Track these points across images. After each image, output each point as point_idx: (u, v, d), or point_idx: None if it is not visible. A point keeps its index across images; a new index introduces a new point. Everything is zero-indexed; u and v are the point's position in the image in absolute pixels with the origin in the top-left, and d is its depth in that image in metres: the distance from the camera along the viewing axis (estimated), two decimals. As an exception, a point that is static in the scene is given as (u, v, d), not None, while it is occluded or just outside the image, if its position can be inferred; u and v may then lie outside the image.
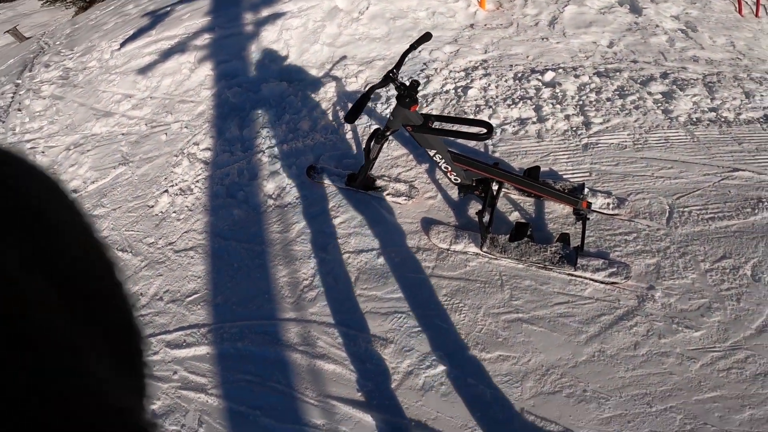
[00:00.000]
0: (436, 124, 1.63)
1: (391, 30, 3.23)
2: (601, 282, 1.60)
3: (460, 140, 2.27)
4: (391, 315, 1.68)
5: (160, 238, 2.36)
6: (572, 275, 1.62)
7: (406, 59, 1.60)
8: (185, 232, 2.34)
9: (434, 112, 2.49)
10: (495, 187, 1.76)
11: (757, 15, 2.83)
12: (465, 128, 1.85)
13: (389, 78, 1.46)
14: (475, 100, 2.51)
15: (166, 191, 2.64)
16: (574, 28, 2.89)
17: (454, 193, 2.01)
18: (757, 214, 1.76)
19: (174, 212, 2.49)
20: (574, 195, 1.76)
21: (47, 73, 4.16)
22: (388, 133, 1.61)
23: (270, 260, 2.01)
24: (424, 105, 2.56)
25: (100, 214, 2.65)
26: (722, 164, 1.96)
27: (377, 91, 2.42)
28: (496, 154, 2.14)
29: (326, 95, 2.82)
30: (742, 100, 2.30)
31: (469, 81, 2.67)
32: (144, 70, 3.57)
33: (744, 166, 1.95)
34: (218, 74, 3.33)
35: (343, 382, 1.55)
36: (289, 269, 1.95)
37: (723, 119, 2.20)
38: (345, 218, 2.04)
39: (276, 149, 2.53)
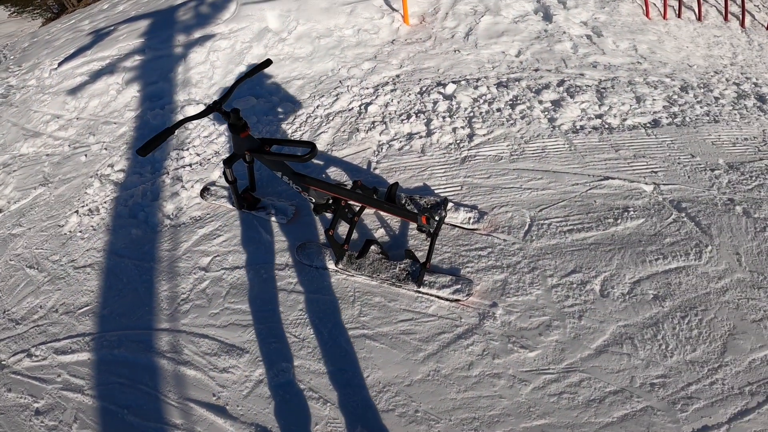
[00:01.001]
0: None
1: (316, 49, 3.35)
2: (445, 299, 1.62)
3: (348, 158, 2.37)
4: (250, 327, 1.76)
5: (64, 256, 2.48)
6: (419, 292, 1.67)
7: (236, 90, 1.73)
8: (87, 250, 2.46)
9: (330, 131, 2.58)
10: (357, 206, 1.83)
11: (665, 17, 2.88)
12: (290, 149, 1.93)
13: (212, 108, 1.55)
14: (373, 116, 2.60)
15: (77, 211, 2.76)
16: (486, 39, 2.97)
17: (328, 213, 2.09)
18: (619, 224, 1.77)
19: (80, 232, 2.61)
20: (435, 211, 1.81)
21: (-12, 92, 4.32)
22: (235, 160, 1.70)
23: (156, 276, 2.12)
24: (324, 124, 2.65)
25: (17, 233, 2.79)
26: (593, 173, 2.00)
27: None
28: (377, 171, 2.21)
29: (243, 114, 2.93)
30: (631, 106, 2.35)
31: (374, 97, 2.76)
32: (74, 91, 3.72)
33: (616, 174, 1.99)
34: (144, 96, 3.47)
35: (202, 387, 1.64)
36: (170, 284, 2.07)
37: (606, 126, 2.24)
38: (228, 237, 2.14)
39: (181, 171, 2.65)
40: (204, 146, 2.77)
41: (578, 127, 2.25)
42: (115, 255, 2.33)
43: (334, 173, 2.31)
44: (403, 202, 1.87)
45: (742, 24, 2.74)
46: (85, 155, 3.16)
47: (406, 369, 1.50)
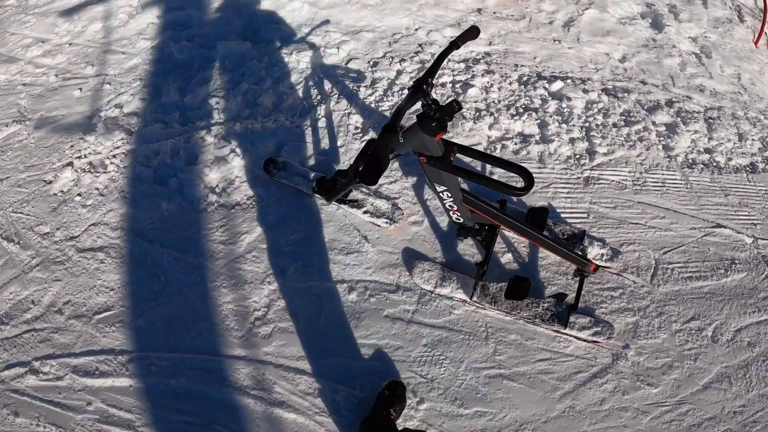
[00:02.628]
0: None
1: None
2: (585, 340, 1.62)
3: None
4: (361, 362, 1.55)
5: (58, 228, 1.92)
6: (558, 332, 1.63)
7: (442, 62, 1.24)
8: (93, 224, 1.92)
9: None
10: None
11: (769, 47, 2.88)
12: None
13: (420, 90, 1.14)
14: (475, 101, 2.30)
15: (71, 164, 2.13)
16: (590, 35, 2.72)
17: (444, 220, 1.85)
18: (728, 276, 1.87)
19: (79, 195, 2.02)
20: (573, 242, 1.72)
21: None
22: (390, 157, 1.36)
23: (210, 278, 1.72)
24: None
25: None
26: (708, 218, 2.02)
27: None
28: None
29: (298, 66, 2.39)
30: (734, 143, 2.38)
31: (469, 76, 2.42)
32: (69, 12, 2.79)
33: (726, 222, 2.03)
34: (165, 23, 2.66)
35: (306, 434, 1.44)
36: (235, 294, 1.69)
37: (715, 164, 2.26)
38: (309, 235, 1.79)
39: (226, 127, 2.11)
40: (255, 96, 2.23)
41: (690, 161, 2.21)
42: (140, 238, 1.84)
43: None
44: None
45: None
46: (80, 89, 2.41)
47: (543, 407, 1.53)
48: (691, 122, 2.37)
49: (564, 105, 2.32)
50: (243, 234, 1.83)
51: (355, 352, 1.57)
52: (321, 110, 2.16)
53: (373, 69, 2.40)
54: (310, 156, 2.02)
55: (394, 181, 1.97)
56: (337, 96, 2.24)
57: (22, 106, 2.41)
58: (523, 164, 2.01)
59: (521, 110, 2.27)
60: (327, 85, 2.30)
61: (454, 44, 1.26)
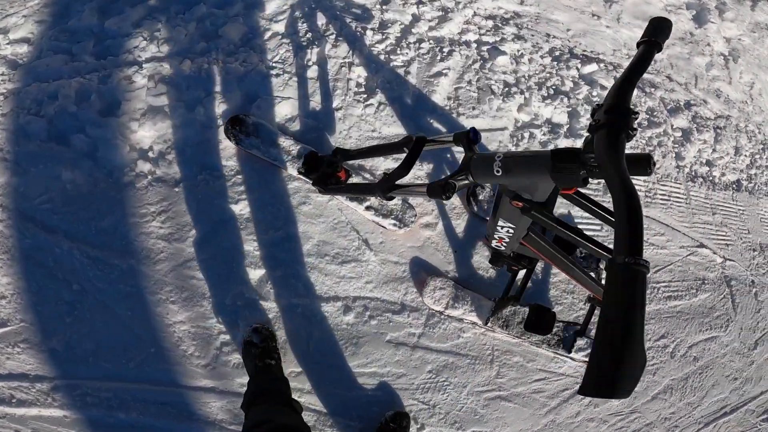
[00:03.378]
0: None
1: None
2: (579, 360, 1.62)
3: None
4: (362, 394, 1.37)
5: None
6: (558, 354, 1.60)
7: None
8: None
9: (450, 75, 1.75)
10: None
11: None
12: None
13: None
14: (504, 72, 1.90)
15: None
16: (631, 17, 2.36)
17: (460, 223, 1.60)
18: (697, 295, 1.99)
19: None
20: (591, 263, 1.61)
21: None
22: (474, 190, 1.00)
23: (149, 289, 1.29)
24: (438, 57, 1.78)
25: None
26: (695, 236, 2.07)
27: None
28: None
29: None
30: (731, 157, 2.40)
31: (498, 39, 1.97)
32: None
33: (707, 242, 2.10)
34: None
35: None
36: (190, 311, 1.30)
37: (711, 179, 2.26)
38: (291, 234, 1.39)
39: (167, 65, 1.46)
40: (216, 24, 1.56)
41: (694, 173, 2.18)
42: (32, 224, 1.29)
43: (456, 160, 1.69)
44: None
45: None
46: None
47: (530, 423, 1.57)
48: (703, 130, 2.30)
49: (594, 93, 2.05)
50: (194, 225, 1.35)
51: (353, 382, 1.37)
52: (312, 54, 1.58)
53: (383, 7, 1.80)
54: (293, 118, 1.50)
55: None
56: (334, 37, 1.65)
57: None
58: None
59: (552, 92, 1.95)
60: (321, 19, 1.67)
61: (654, 46, 0.84)
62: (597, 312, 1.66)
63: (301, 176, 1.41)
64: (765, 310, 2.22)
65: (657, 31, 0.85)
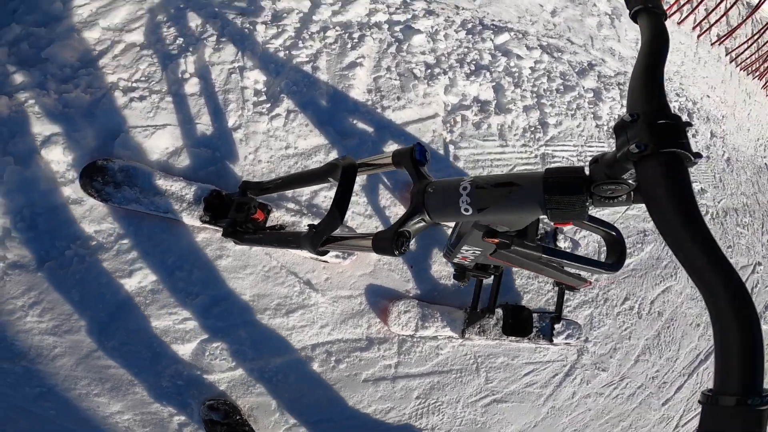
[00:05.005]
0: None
1: None
2: (559, 344, 1.58)
3: (411, 129, 1.57)
4: None
5: None
6: (538, 343, 1.52)
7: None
8: None
9: (365, 63, 1.54)
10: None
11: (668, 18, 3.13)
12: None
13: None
14: (423, 53, 1.74)
15: None
16: None
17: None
18: (643, 249, 2.06)
19: None
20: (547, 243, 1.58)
21: None
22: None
23: (60, 384, 0.99)
24: (349, 45, 1.56)
25: None
26: None
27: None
28: (459, 163, 1.60)
29: None
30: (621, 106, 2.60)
31: (410, 16, 1.81)
32: None
33: None
34: None
35: None
36: (124, 400, 1.02)
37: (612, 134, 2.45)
38: (217, 297, 1.11)
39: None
40: (36, 42, 1.15)
41: (610, 130, 2.27)
42: None
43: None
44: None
45: (699, 36, 3.30)
46: None
47: (532, 415, 1.53)
48: (610, 88, 2.44)
49: (512, 63, 2.01)
50: (84, 312, 1.02)
51: (341, 429, 1.18)
52: (187, 63, 1.25)
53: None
54: (177, 151, 1.16)
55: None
56: (215, 38, 1.32)
57: None
58: (487, 142, 1.73)
59: (473, 68, 1.85)
60: (194, 20, 1.33)
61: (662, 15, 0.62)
62: (567, 295, 1.65)
63: (207, 225, 1.11)
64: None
65: None
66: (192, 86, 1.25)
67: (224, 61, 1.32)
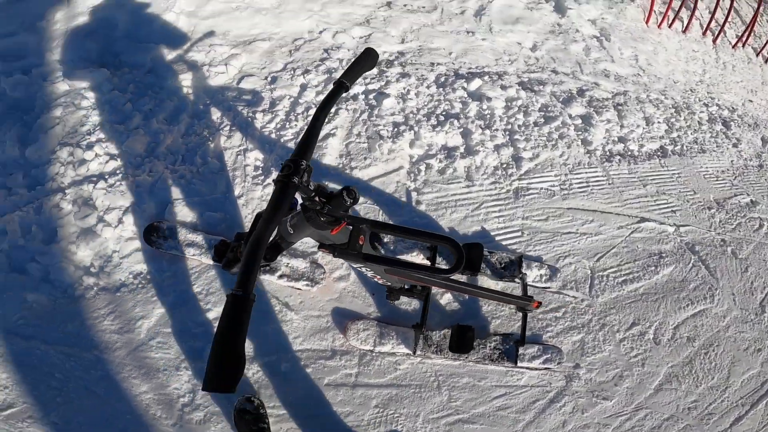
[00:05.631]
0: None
1: None
2: (537, 369, 1.62)
3: (376, 183, 1.94)
4: None
5: None
6: (510, 367, 1.61)
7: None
8: None
9: (338, 133, 2.02)
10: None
11: (659, 26, 3.11)
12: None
13: (290, 186, 0.85)
14: (392, 114, 2.14)
15: None
16: (501, 24, 2.70)
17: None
18: (658, 272, 1.97)
19: None
20: (512, 271, 1.70)
21: None
22: (280, 250, 1.12)
23: (115, 371, 1.50)
24: (325, 120, 2.07)
25: None
26: (632, 213, 2.12)
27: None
28: (421, 207, 1.87)
29: (177, 93, 2.02)
30: (643, 128, 2.54)
31: (383, 83, 2.26)
32: None
33: (648, 215, 2.14)
34: None
35: None
36: (150, 383, 1.50)
37: (629, 153, 2.37)
38: (220, 311, 1.59)
39: (87, 188, 1.73)
40: (120, 141, 1.85)
41: (608, 153, 2.31)
42: (14, 336, 1.53)
43: (366, 210, 1.86)
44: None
45: (714, 40, 3.16)
46: None
47: None
48: (603, 111, 2.47)
49: (485, 106, 2.28)
50: (139, 320, 1.55)
51: (305, 426, 1.45)
52: (209, 149, 1.86)
53: (272, 86, 2.13)
54: (202, 214, 1.72)
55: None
56: (228, 128, 1.94)
57: None
58: (451, 185, 1.96)
59: (442, 118, 2.17)
60: (215, 115, 1.98)
61: (341, 86, 1.00)
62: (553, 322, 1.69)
63: (215, 263, 1.58)
64: (755, 267, 2.13)
65: (352, 69, 1.02)
66: (212, 167, 1.84)
67: (234, 145, 1.90)
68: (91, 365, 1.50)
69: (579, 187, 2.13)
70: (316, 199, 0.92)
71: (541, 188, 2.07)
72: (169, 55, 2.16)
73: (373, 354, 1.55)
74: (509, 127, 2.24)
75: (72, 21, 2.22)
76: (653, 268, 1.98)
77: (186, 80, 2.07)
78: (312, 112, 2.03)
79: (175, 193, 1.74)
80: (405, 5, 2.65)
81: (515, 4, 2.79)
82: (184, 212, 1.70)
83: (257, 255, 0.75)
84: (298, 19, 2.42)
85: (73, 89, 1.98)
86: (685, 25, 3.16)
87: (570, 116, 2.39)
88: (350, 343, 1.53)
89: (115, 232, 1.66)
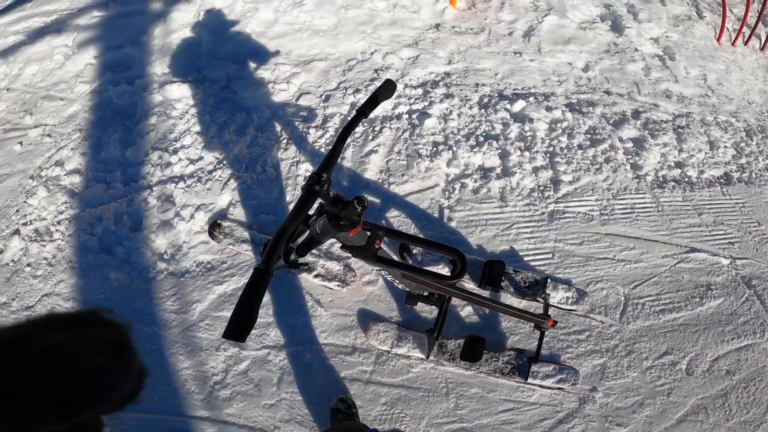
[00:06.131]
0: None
1: (341, 22, 2.77)
2: (549, 388, 1.67)
3: (411, 198, 2.10)
4: (323, 425, 1.63)
5: (13, 299, 1.98)
6: (522, 383, 1.67)
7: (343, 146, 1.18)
8: (45, 295, 1.97)
9: (380, 150, 2.24)
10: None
11: (733, 44, 2.89)
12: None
13: (313, 192, 1.06)
14: (433, 134, 2.31)
15: (18, 232, 2.15)
16: (551, 44, 2.74)
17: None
18: (704, 303, 1.92)
19: (29, 265, 2.05)
20: (536, 290, 1.78)
21: None
22: (310, 248, 1.30)
23: (166, 346, 1.81)
24: (369, 137, 2.29)
25: None
26: (681, 243, 2.07)
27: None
28: (452, 223, 2.02)
29: (247, 107, 2.38)
30: (706, 153, 2.41)
31: (427, 103, 2.44)
32: (5, 53, 2.82)
33: (700, 245, 2.08)
34: (103, 64, 2.67)
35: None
36: (192, 360, 1.77)
37: (687, 179, 2.30)
38: (263, 302, 1.85)
39: (170, 188, 2.12)
40: (198, 148, 2.24)
41: (661, 179, 2.26)
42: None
43: (399, 223, 2.04)
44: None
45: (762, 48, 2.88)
46: (20, 143, 2.43)
47: None
48: (659, 134, 2.42)
49: (527, 128, 2.35)
50: (194, 303, 1.87)
51: (315, 414, 1.65)
52: (269, 159, 2.18)
53: (325, 104, 2.42)
54: (257, 216, 2.04)
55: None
56: (286, 140, 2.26)
57: (-36, 167, 2.43)
58: (484, 204, 2.07)
59: (481, 139, 2.29)
60: (277, 128, 2.31)
61: (362, 114, 1.19)
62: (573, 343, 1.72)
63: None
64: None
65: (372, 100, 1.20)
66: (269, 176, 2.16)
67: (288, 157, 2.20)
68: (148, 339, 1.83)
69: (622, 213, 2.13)
70: (335, 205, 1.14)
71: (579, 212, 2.10)
72: (242, 72, 2.55)
73: (390, 355, 1.72)
74: (550, 149, 2.28)
75: (167, 37, 2.72)
76: (698, 299, 1.94)
77: (254, 96, 2.43)
78: (359, 129, 2.26)
79: (237, 195, 2.08)
80: (453, 27, 2.81)
81: (567, 25, 2.80)
82: (242, 213, 2.03)
83: (280, 241, 1.00)
84: (351, 40, 2.69)
85: (166, 100, 2.44)
86: (763, 42, 2.90)
87: (620, 139, 2.37)
88: (370, 342, 1.72)
89: (187, 226, 2.03)
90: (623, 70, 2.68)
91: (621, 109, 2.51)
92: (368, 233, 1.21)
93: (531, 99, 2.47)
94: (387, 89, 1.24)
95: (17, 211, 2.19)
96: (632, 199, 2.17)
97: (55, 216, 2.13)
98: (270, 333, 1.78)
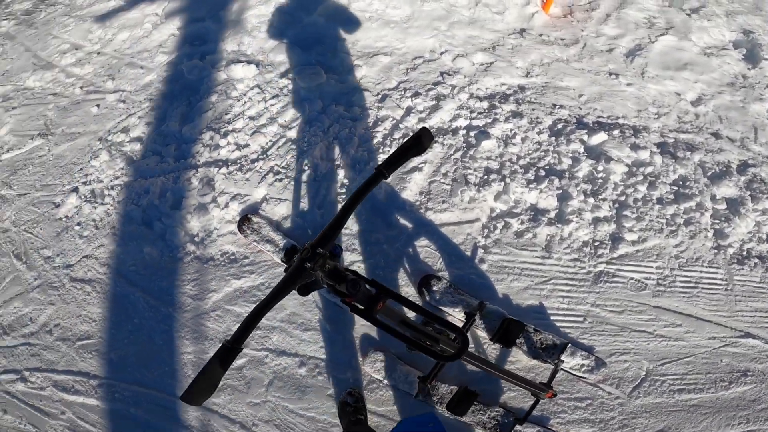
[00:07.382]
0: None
1: (415, 14, 2.95)
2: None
3: (445, 229, 2.36)
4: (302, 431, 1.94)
5: (58, 255, 2.57)
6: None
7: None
8: (86, 256, 2.53)
9: (425, 168, 2.38)
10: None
11: None
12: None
13: (304, 270, 1.12)
14: (488, 158, 2.39)
15: (76, 189, 2.74)
16: (660, 68, 2.65)
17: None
18: (730, 388, 1.98)
19: (78, 224, 2.63)
20: (551, 354, 1.92)
21: (18, 4, 4.21)
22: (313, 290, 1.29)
23: (177, 329, 2.23)
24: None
25: (6, 196, 2.86)
26: (737, 326, 2.08)
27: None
28: (483, 266, 2.15)
29: (298, 97, 2.69)
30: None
31: (489, 120, 2.52)
32: (103, 18, 3.47)
33: (757, 332, 2.08)
34: (184, 36, 3.16)
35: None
36: (197, 347, 2.19)
37: (778, 258, 2.10)
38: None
39: (213, 171, 2.53)
40: (248, 135, 2.63)
41: (744, 253, 2.19)
42: (122, 279, 2.43)
43: (426, 255, 2.22)
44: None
45: None
46: (98, 105, 3.02)
47: None
48: (762, 198, 2.30)
49: (600, 168, 2.34)
50: (211, 292, 2.26)
51: (294, 422, 1.99)
52: (309, 158, 2.44)
53: (380, 105, 2.62)
54: (287, 217, 2.33)
55: (358, 254, 2.26)
56: (330, 139, 2.50)
57: (49, 119, 3.09)
58: (524, 251, 2.23)
59: (542, 174, 2.32)
60: (326, 123, 2.55)
61: (380, 175, 1.16)
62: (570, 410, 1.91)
63: (283, 263, 2.19)
64: None
65: (396, 158, 1.17)
66: (307, 175, 2.43)
67: (330, 158, 2.45)
68: (162, 319, 2.23)
69: (682, 287, 2.13)
70: (331, 278, 1.13)
71: (631, 278, 2.13)
72: (303, 57, 2.81)
73: (381, 384, 1.97)
74: (622, 198, 2.27)
75: (243, 13, 3.07)
76: (726, 383, 2.00)
77: (309, 86, 2.69)
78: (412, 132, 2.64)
79: (272, 192, 2.39)
80: (540, 35, 2.81)
81: (687, 48, 2.67)
82: (273, 211, 2.34)
83: (254, 322, 1.06)
84: (422, 36, 2.84)
85: (230, 79, 2.79)
86: None
87: (713, 197, 2.29)
88: (364, 368, 1.97)
89: (221, 213, 2.39)
90: (744, 110, 2.55)
91: (726, 159, 2.40)
92: (372, 291, 1.21)
93: (616, 132, 2.44)
94: (420, 143, 1.20)
95: (81, 169, 2.77)
96: (701, 272, 2.15)
97: (111, 180, 2.65)
98: (273, 337, 2.11)
